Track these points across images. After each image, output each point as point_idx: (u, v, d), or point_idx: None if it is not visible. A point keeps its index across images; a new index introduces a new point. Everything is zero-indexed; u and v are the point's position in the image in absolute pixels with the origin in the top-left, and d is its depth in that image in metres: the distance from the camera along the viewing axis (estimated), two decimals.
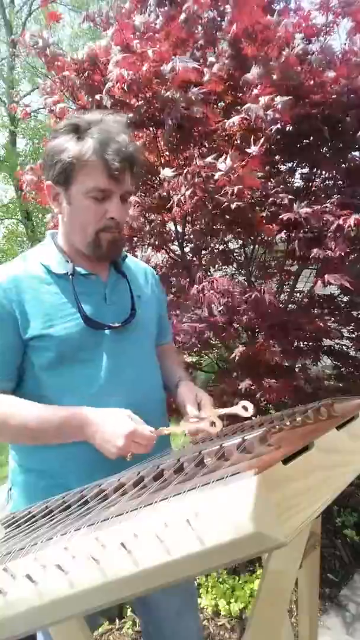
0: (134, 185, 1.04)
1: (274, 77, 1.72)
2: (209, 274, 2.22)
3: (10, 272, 0.97)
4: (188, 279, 1.90)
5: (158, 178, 1.81)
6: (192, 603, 1.21)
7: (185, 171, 1.66)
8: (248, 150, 1.61)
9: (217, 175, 1.59)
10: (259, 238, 2.03)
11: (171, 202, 1.69)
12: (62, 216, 1.02)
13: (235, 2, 1.71)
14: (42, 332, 0.94)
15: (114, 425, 0.85)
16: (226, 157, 1.58)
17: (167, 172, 1.73)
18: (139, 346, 1.07)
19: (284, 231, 1.73)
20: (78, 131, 0.95)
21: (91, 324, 0.97)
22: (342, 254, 1.68)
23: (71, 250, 1.04)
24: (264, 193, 1.86)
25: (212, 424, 0.88)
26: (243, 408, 0.90)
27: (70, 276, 0.99)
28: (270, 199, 1.81)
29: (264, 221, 1.81)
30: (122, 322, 1.03)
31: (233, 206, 1.64)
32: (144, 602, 1.13)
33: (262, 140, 1.60)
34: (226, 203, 1.65)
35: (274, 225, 1.77)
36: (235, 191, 1.57)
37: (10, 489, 1.05)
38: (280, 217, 1.71)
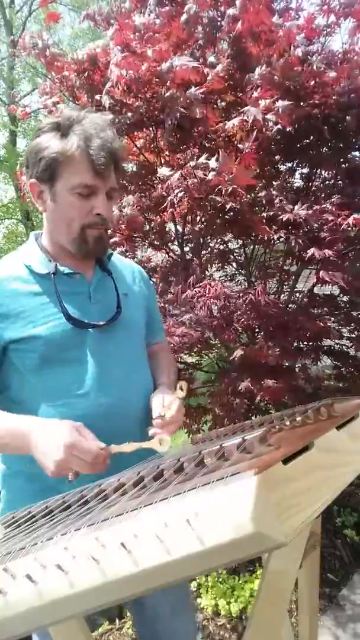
0: (118, 181, 1.04)
1: (276, 78, 1.72)
2: (207, 272, 2.22)
3: None
4: (185, 280, 1.90)
5: (158, 178, 1.81)
6: (187, 603, 1.20)
7: (178, 173, 1.66)
8: (240, 146, 1.60)
9: (210, 176, 1.59)
10: (259, 238, 2.03)
11: (166, 202, 1.69)
12: (46, 214, 1.01)
13: (242, 1, 1.71)
14: (25, 334, 0.93)
15: (53, 436, 0.80)
16: (218, 157, 1.58)
17: (164, 171, 1.73)
18: (126, 345, 1.05)
19: (283, 231, 1.73)
20: (61, 128, 0.94)
21: (74, 323, 0.96)
22: (340, 252, 1.68)
23: (55, 249, 1.03)
24: (263, 194, 1.87)
25: (160, 441, 0.85)
26: (179, 388, 0.91)
27: (53, 275, 0.98)
28: (269, 199, 1.81)
29: (263, 221, 1.81)
30: (108, 321, 1.01)
31: (228, 206, 1.64)
32: (139, 601, 1.12)
33: (253, 135, 1.59)
34: (221, 203, 1.65)
35: (272, 225, 1.77)
36: (229, 190, 1.57)
37: (0, 492, 1.03)
38: (279, 217, 1.71)
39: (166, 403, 0.97)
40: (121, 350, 1.03)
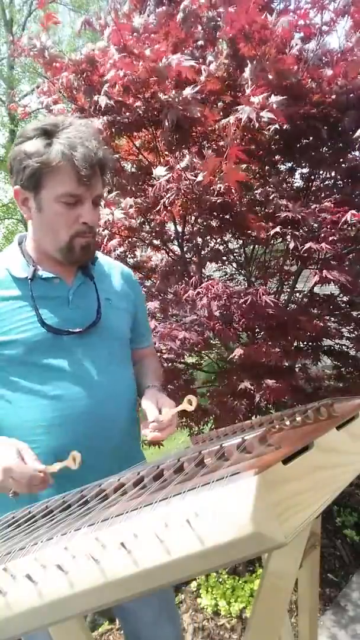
0: (104, 186, 1.03)
1: (270, 76, 1.71)
2: (206, 273, 2.22)
3: None
4: (185, 280, 1.90)
5: (155, 179, 1.81)
6: (170, 610, 1.19)
7: (168, 175, 1.66)
8: (221, 143, 1.60)
9: (200, 176, 1.59)
10: (259, 237, 2.03)
11: (160, 203, 1.69)
12: (31, 221, 1.00)
13: (232, 1, 1.71)
14: (0, 338, 0.93)
15: None
16: (204, 156, 1.57)
17: (159, 172, 1.73)
18: (105, 351, 1.04)
19: (280, 226, 1.72)
20: (46, 135, 0.92)
21: (49, 329, 0.95)
22: (339, 251, 1.68)
23: (39, 254, 1.02)
24: (259, 191, 1.87)
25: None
26: (188, 402, 0.90)
27: (30, 280, 0.98)
28: (266, 195, 1.81)
29: (259, 219, 1.80)
30: (86, 327, 1.00)
31: (219, 201, 1.63)
32: (122, 609, 1.12)
33: (236, 131, 1.57)
34: (214, 200, 1.65)
35: (270, 223, 1.77)
36: (221, 189, 1.57)
37: None
38: (276, 215, 1.71)
39: (160, 407, 0.98)
40: (100, 356, 1.02)
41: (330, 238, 1.64)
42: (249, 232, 1.93)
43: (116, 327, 1.09)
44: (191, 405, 0.89)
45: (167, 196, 1.64)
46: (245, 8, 1.62)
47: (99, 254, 1.16)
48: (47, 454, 0.90)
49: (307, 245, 1.64)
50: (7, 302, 0.96)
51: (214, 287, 1.69)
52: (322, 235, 1.69)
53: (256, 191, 1.92)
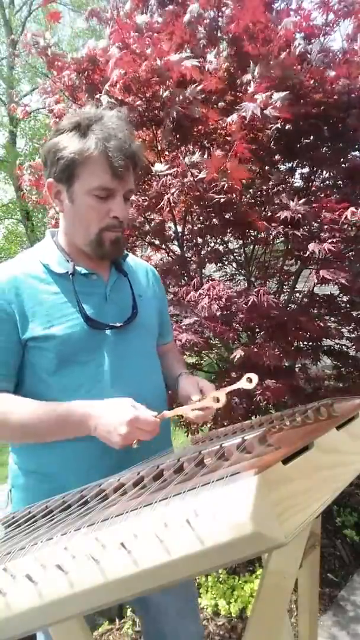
0: (136, 182, 1.04)
1: (273, 74, 1.71)
2: (206, 273, 2.22)
3: (8, 272, 0.96)
4: (186, 280, 1.89)
5: (157, 176, 1.81)
6: (193, 605, 1.20)
7: (173, 170, 1.65)
8: (228, 139, 1.59)
9: (202, 173, 1.58)
10: (259, 237, 2.03)
11: (162, 201, 1.68)
12: (63, 214, 1.01)
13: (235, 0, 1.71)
14: (42, 333, 0.93)
15: (115, 415, 0.85)
16: (210, 154, 1.57)
17: (159, 167, 1.72)
18: (141, 346, 1.06)
19: (281, 226, 1.72)
20: (79, 129, 0.93)
21: (92, 324, 0.96)
22: (340, 251, 1.68)
23: (72, 249, 1.02)
24: (261, 191, 1.86)
25: (216, 399, 0.87)
26: (248, 380, 0.87)
27: (71, 275, 0.98)
28: (267, 193, 1.81)
29: (260, 218, 1.80)
30: (124, 322, 1.01)
31: (223, 200, 1.63)
32: (143, 600, 1.12)
33: (237, 126, 1.56)
34: (217, 199, 1.65)
35: (271, 223, 1.77)
36: (225, 187, 1.57)
37: (11, 491, 1.04)
38: (277, 215, 1.71)
39: (201, 388, 1.01)
40: (136, 351, 1.03)
41: (330, 240, 1.64)
42: (250, 231, 1.92)
43: (149, 323, 1.11)
44: (219, 401, 0.88)
45: (171, 192, 1.63)
46: (251, 7, 1.62)
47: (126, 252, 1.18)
48: (90, 446, 0.91)
49: (310, 248, 1.65)
50: (50, 298, 0.96)
51: (215, 287, 1.69)
52: (323, 235, 1.69)
53: (257, 191, 1.92)
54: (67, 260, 1.00)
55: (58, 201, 0.99)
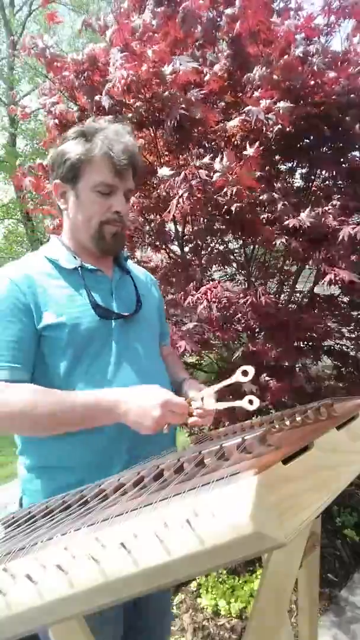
0: (135, 183, 1.10)
1: (275, 77, 1.72)
2: (207, 273, 2.22)
3: (19, 270, 1.01)
4: (186, 281, 1.89)
5: (158, 178, 1.81)
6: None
7: (182, 172, 1.66)
8: (245, 153, 1.61)
9: (215, 177, 1.59)
10: (259, 238, 2.03)
11: (170, 203, 1.68)
12: (67, 214, 1.07)
13: (240, 1, 1.71)
14: (55, 321, 0.96)
15: (147, 398, 0.87)
16: (222, 158, 1.58)
17: (164, 172, 1.73)
18: (147, 338, 1.10)
19: (285, 237, 1.72)
20: (85, 135, 1.02)
21: (100, 312, 1.00)
22: (344, 253, 1.68)
23: (77, 246, 1.08)
24: (264, 196, 1.86)
25: (250, 402, 0.88)
26: (243, 373, 0.88)
27: (80, 269, 1.04)
28: (271, 201, 1.81)
29: (265, 224, 1.80)
30: (131, 313, 1.07)
31: (233, 208, 1.64)
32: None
33: (257, 142, 1.61)
34: (225, 204, 1.65)
35: (274, 227, 1.77)
36: (234, 192, 1.58)
37: (22, 498, 1.02)
38: (284, 223, 1.71)
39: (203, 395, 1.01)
40: (143, 343, 1.08)
41: (334, 249, 1.65)
42: (256, 235, 1.92)
43: (152, 320, 1.18)
44: (246, 375, 0.88)
45: (180, 194, 1.64)
46: (255, 7, 1.64)
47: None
48: (99, 441, 0.93)
49: (315, 255, 1.65)
50: (61, 291, 1.01)
51: (212, 290, 1.69)
52: (327, 243, 1.69)
53: (261, 196, 1.91)
54: (75, 257, 1.06)
55: (63, 200, 1.07)
